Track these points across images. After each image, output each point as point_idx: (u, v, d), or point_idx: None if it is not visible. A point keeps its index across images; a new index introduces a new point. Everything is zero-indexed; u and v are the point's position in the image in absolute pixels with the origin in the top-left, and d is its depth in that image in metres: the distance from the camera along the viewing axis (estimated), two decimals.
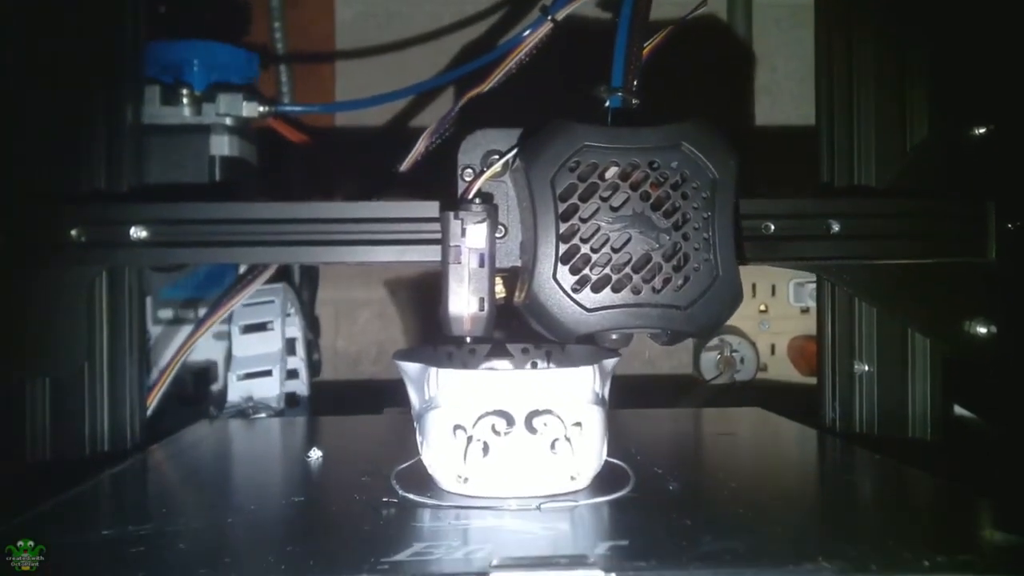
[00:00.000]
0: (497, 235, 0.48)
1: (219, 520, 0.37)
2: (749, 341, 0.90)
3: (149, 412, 0.59)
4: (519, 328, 0.48)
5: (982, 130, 0.55)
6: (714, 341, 0.90)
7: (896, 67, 0.58)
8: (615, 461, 0.42)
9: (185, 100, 0.66)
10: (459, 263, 0.45)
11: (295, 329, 0.72)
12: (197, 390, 0.74)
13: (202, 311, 0.75)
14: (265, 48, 0.89)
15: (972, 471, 0.47)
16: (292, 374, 0.71)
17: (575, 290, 0.44)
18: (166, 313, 0.74)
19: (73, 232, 0.52)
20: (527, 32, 0.52)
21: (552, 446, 0.37)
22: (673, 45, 0.53)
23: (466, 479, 0.38)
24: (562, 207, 0.44)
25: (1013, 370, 0.53)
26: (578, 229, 0.45)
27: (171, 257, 0.54)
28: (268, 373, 0.65)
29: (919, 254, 0.54)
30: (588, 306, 0.44)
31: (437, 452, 0.39)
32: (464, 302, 0.45)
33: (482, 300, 0.45)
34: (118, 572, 0.30)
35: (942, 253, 0.54)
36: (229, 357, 0.71)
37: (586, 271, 0.45)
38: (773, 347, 0.91)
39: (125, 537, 0.34)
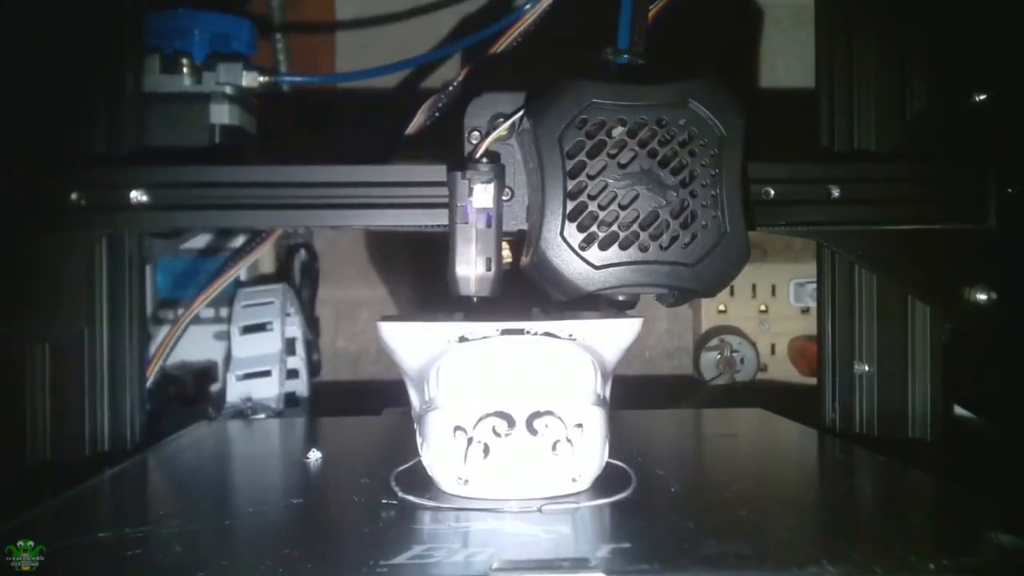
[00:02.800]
0: (504, 198, 0.48)
1: (217, 523, 0.36)
2: (749, 341, 0.91)
3: (149, 383, 0.59)
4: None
5: (982, 96, 0.55)
6: (714, 341, 0.91)
7: (896, 33, 0.58)
8: (616, 463, 0.42)
9: (185, 69, 0.67)
10: (466, 223, 0.45)
11: (295, 329, 0.73)
12: (197, 390, 0.74)
13: (204, 311, 0.74)
14: (265, 20, 0.89)
15: (972, 471, 0.48)
16: (292, 374, 0.72)
17: (582, 248, 0.44)
18: (167, 313, 0.74)
19: (73, 196, 0.52)
20: (528, 5, 0.53)
21: (553, 447, 0.37)
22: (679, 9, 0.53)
23: (466, 481, 0.38)
24: (569, 164, 0.45)
25: (1013, 338, 0.53)
26: (585, 186, 0.45)
27: (172, 221, 0.54)
28: (267, 374, 0.66)
29: (919, 219, 0.55)
30: (595, 263, 0.44)
31: (437, 453, 0.39)
32: (471, 262, 0.45)
33: (489, 260, 0.46)
34: (117, 570, 0.30)
35: (943, 219, 0.55)
36: (223, 359, 0.72)
37: (593, 228, 0.45)
38: (773, 347, 0.92)
39: (122, 539, 0.34)
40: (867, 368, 0.58)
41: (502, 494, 0.38)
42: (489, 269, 0.46)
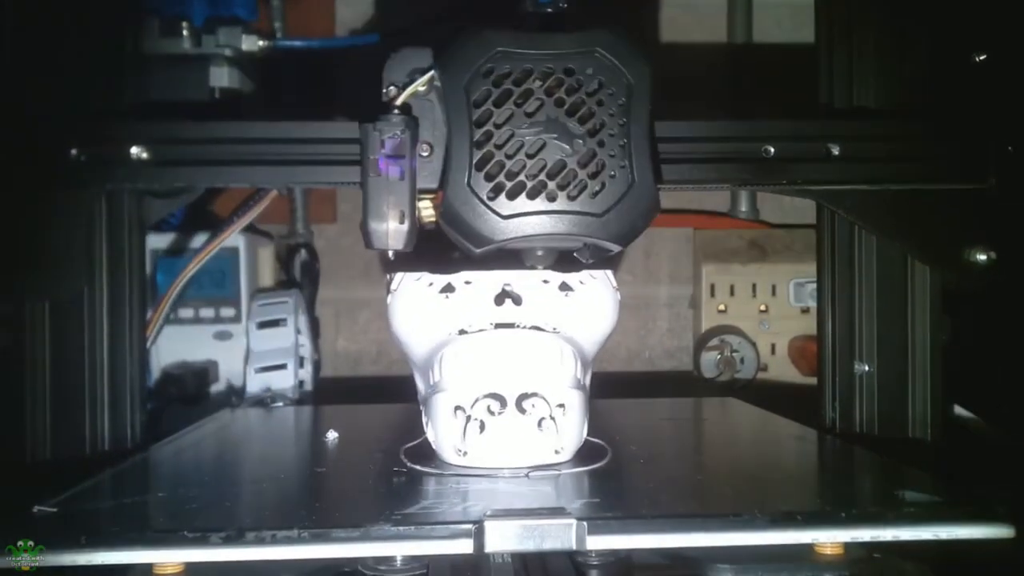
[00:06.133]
0: (423, 153, 0.49)
1: (255, 486, 0.47)
2: (749, 341, 0.97)
3: (149, 343, 0.63)
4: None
5: (982, 56, 0.58)
6: (714, 341, 0.98)
7: None
8: (595, 440, 0.51)
9: (184, 32, 0.72)
10: (379, 175, 0.47)
11: (305, 350, 0.80)
12: (197, 390, 0.81)
13: (204, 311, 0.83)
14: None
15: (972, 471, 0.51)
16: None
17: (490, 197, 0.46)
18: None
19: (73, 151, 0.55)
20: None
21: (539, 424, 0.47)
22: None
23: (465, 453, 0.47)
24: (476, 114, 0.47)
25: (1013, 298, 0.57)
26: (492, 135, 0.47)
27: (172, 177, 0.56)
28: (283, 366, 0.75)
29: (919, 178, 0.57)
30: (503, 213, 0.47)
31: (440, 430, 0.48)
32: (384, 215, 0.48)
33: (402, 213, 0.48)
34: (176, 523, 0.40)
35: (942, 178, 0.57)
36: (231, 357, 0.79)
37: (500, 178, 0.47)
38: (773, 347, 0.98)
39: (177, 499, 0.44)
40: (867, 368, 0.61)
41: (495, 463, 0.47)
42: (403, 222, 0.47)
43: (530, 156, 0.47)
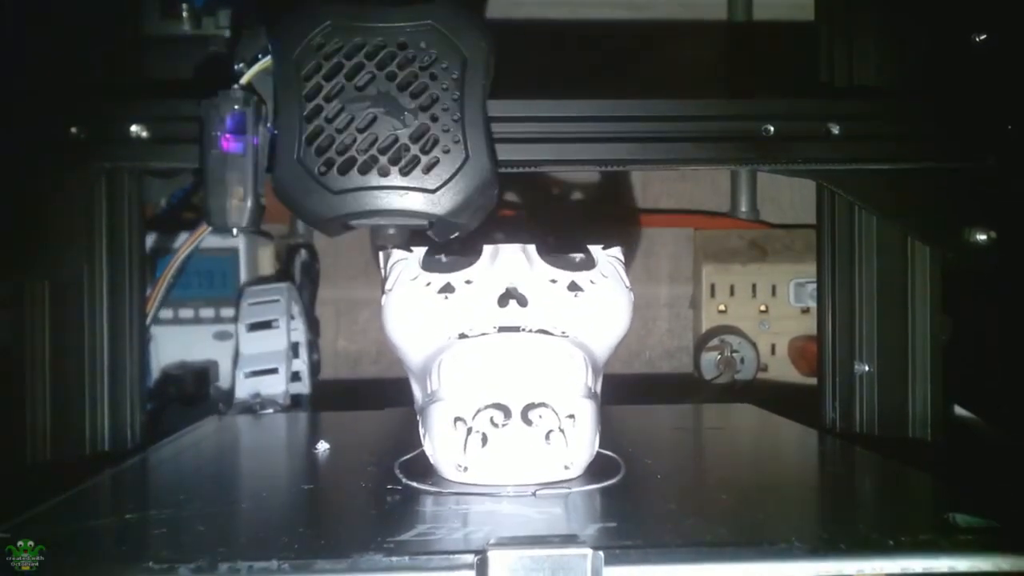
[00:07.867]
0: (274, 132, 0.47)
1: (235, 506, 0.41)
2: (749, 341, 0.93)
3: (148, 320, 0.60)
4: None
5: (982, 36, 0.57)
6: (714, 341, 0.94)
7: None
8: (607, 452, 0.45)
9: (185, 14, 0.69)
10: (219, 151, 0.46)
11: (299, 334, 0.75)
12: (197, 390, 0.77)
13: (204, 311, 0.79)
14: None
15: (972, 471, 0.49)
16: (294, 376, 0.74)
17: (321, 172, 0.45)
18: (166, 313, 0.76)
19: (73, 129, 0.53)
20: None
21: (547, 437, 0.41)
22: None
23: (466, 468, 0.42)
24: (306, 87, 0.45)
25: (1013, 276, 0.56)
26: (322, 109, 0.45)
27: (171, 156, 0.54)
28: (274, 371, 0.69)
29: (919, 157, 0.56)
30: (334, 188, 0.45)
31: (439, 443, 0.43)
32: (224, 192, 0.46)
33: (244, 190, 0.46)
34: (141, 551, 0.34)
35: (942, 157, 0.56)
36: (232, 357, 0.74)
37: (331, 152, 0.45)
38: (773, 347, 0.94)
39: (148, 520, 0.38)
40: (867, 368, 0.59)
41: (499, 480, 0.42)
42: (244, 199, 0.46)
43: (360, 130, 0.45)
